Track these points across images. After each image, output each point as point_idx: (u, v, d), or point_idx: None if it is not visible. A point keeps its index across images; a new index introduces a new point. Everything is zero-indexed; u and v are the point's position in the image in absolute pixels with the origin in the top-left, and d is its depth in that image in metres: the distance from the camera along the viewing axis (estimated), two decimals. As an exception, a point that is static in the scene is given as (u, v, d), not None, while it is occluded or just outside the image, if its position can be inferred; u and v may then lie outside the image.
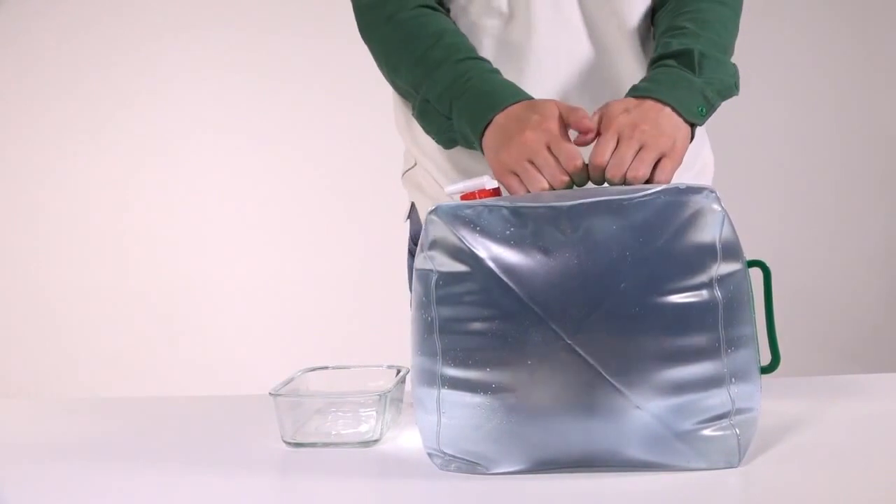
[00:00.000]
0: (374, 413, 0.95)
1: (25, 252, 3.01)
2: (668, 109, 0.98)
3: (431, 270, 0.85)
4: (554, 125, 0.95)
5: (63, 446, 1.01)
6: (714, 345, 0.80)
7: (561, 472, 0.83)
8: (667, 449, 0.81)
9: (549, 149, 0.94)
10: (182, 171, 2.97)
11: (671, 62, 1.03)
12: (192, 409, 1.17)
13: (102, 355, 2.96)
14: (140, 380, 2.89)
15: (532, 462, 0.83)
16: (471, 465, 0.84)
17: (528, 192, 0.93)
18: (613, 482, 0.81)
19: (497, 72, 1.06)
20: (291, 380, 1.01)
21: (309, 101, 2.92)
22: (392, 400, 0.97)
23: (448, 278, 0.84)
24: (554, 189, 0.92)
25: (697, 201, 0.82)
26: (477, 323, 0.82)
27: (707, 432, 0.81)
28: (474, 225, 0.83)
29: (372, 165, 2.82)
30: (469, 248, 0.83)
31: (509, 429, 0.82)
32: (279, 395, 0.95)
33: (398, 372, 1.03)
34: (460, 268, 0.83)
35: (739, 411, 0.81)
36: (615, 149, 0.93)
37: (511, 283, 0.81)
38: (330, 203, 2.94)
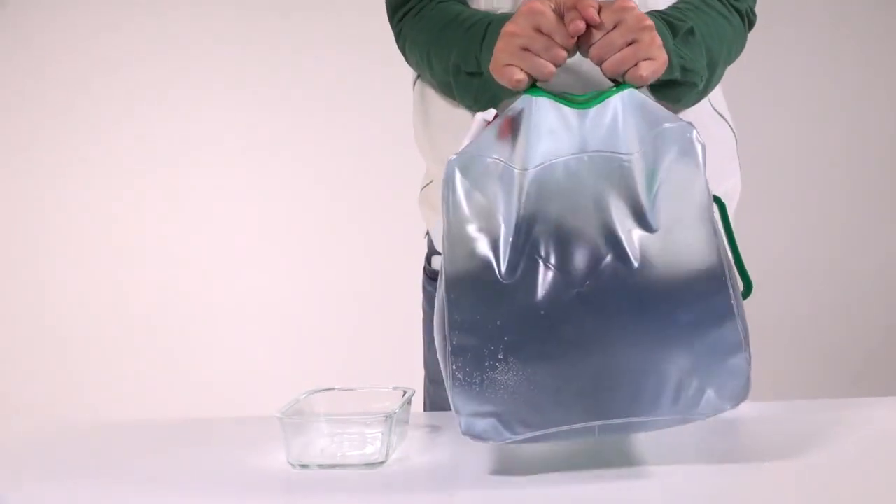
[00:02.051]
0: (380, 435, 0.95)
1: (27, 269, 3.01)
2: None
3: (443, 221, 0.86)
4: (539, 5, 0.96)
5: (63, 469, 1.01)
6: (720, 276, 0.82)
7: (577, 472, 0.83)
8: (685, 392, 0.82)
9: (539, 31, 0.95)
10: (186, 187, 2.98)
11: (658, 18, 1.04)
12: (197, 431, 1.17)
13: (104, 376, 2.95)
14: (143, 401, 2.88)
15: (550, 418, 0.83)
16: (492, 426, 0.84)
17: (530, 77, 0.95)
18: (632, 485, 0.80)
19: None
20: (297, 401, 1.01)
21: (319, 118, 2.94)
22: (398, 421, 0.96)
23: (458, 230, 0.85)
24: (557, 67, 0.94)
25: (685, 137, 0.85)
26: (486, 276, 0.83)
27: (724, 366, 0.82)
28: (485, 178, 0.86)
29: (381, 183, 2.83)
30: (481, 199, 0.85)
31: (524, 381, 0.82)
32: (285, 416, 0.95)
33: (404, 393, 1.02)
34: (471, 219, 0.85)
35: (747, 343, 0.83)
36: (608, 32, 0.94)
37: (519, 236, 0.84)
38: (338, 222, 2.94)
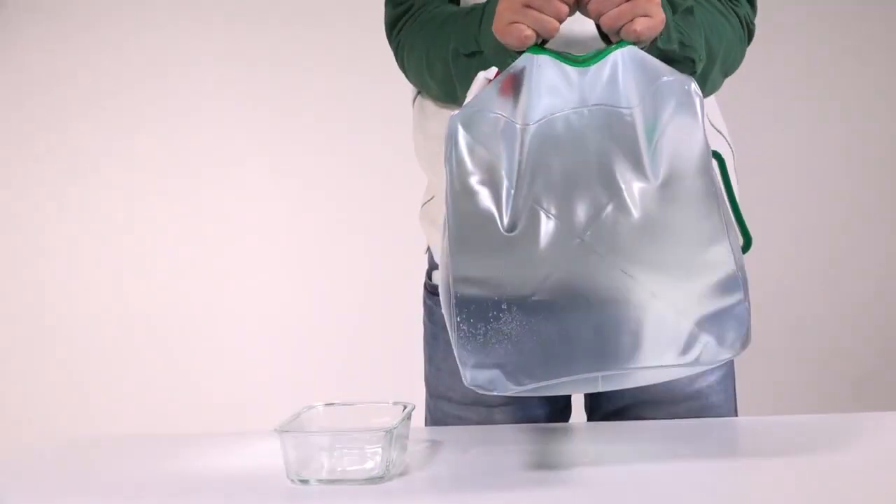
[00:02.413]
0: (380, 450, 0.95)
1: (28, 271, 3.01)
2: None
3: (446, 177, 0.88)
4: None
5: (63, 480, 1.01)
6: (719, 226, 0.84)
7: (576, 479, 0.82)
8: (685, 342, 0.83)
9: None
10: (188, 197, 2.98)
11: None
12: (196, 444, 1.17)
13: (103, 379, 2.94)
14: (142, 409, 2.88)
15: (553, 369, 0.84)
16: (497, 377, 0.85)
17: (536, 33, 0.94)
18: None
19: None
20: (297, 416, 1.01)
21: (320, 130, 2.94)
22: (398, 437, 0.96)
23: (460, 185, 0.87)
24: (560, 22, 0.94)
25: (684, 89, 0.87)
26: (489, 229, 0.85)
27: (723, 316, 0.83)
28: (488, 133, 0.87)
29: (383, 198, 2.84)
30: (483, 153, 0.86)
31: (527, 331, 0.83)
32: (285, 431, 0.95)
33: (404, 408, 1.02)
34: (474, 173, 0.86)
35: (746, 292, 0.84)
36: None
37: (521, 188, 0.85)
38: (339, 237, 2.94)
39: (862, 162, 2.88)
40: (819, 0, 2.86)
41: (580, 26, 1.00)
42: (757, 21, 1.22)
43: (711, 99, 1.22)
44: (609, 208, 0.83)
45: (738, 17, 1.17)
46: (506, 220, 0.85)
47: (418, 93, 1.24)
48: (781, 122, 2.87)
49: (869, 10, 2.85)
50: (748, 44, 1.20)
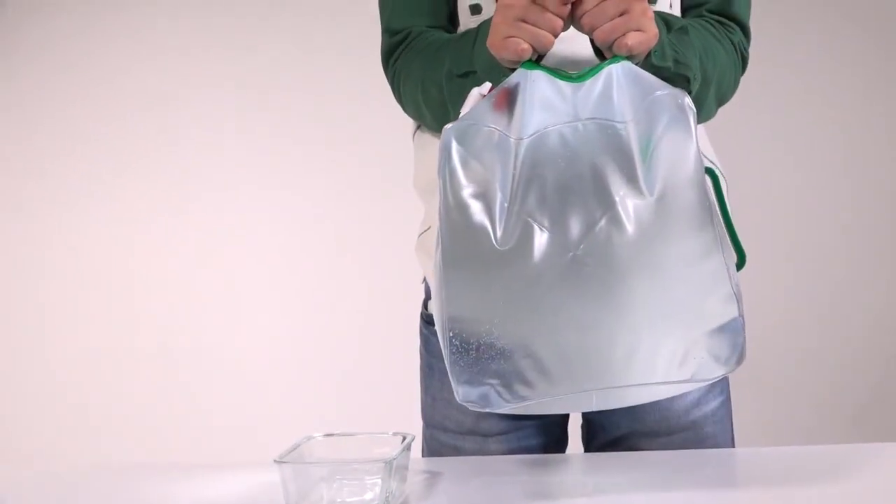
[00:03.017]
0: (380, 480, 0.95)
1: (29, 314, 3.00)
2: None
3: (440, 191, 0.88)
4: None
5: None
6: (713, 242, 0.84)
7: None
8: (680, 357, 0.82)
9: (533, 1, 0.95)
10: (188, 231, 2.98)
11: (655, 8, 1.05)
12: (196, 476, 1.17)
13: (102, 414, 2.93)
14: (142, 441, 2.86)
15: (545, 385, 0.83)
16: (489, 394, 0.84)
17: (532, 47, 0.94)
18: None
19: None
20: (297, 447, 1.01)
21: (319, 161, 2.95)
22: (397, 467, 0.96)
23: (454, 198, 0.87)
24: (555, 36, 0.94)
25: (677, 103, 0.87)
26: (482, 243, 0.85)
27: (718, 331, 0.83)
28: (482, 146, 0.87)
29: (380, 227, 2.84)
30: (477, 167, 0.87)
31: (520, 346, 0.83)
32: (284, 462, 0.95)
33: (403, 439, 1.02)
34: (468, 187, 0.87)
35: (741, 307, 0.84)
36: (601, 1, 0.94)
37: (515, 202, 0.85)
38: (337, 268, 2.94)
39: (860, 190, 2.90)
40: (811, 18, 2.89)
41: (574, 47, 1.01)
42: (753, 34, 1.23)
43: (701, 128, 1.22)
44: (602, 222, 0.83)
45: (733, 44, 1.18)
46: (499, 234, 0.85)
47: (418, 126, 1.25)
48: (774, 151, 2.89)
49: (861, 25, 2.88)
50: (742, 72, 1.22)
